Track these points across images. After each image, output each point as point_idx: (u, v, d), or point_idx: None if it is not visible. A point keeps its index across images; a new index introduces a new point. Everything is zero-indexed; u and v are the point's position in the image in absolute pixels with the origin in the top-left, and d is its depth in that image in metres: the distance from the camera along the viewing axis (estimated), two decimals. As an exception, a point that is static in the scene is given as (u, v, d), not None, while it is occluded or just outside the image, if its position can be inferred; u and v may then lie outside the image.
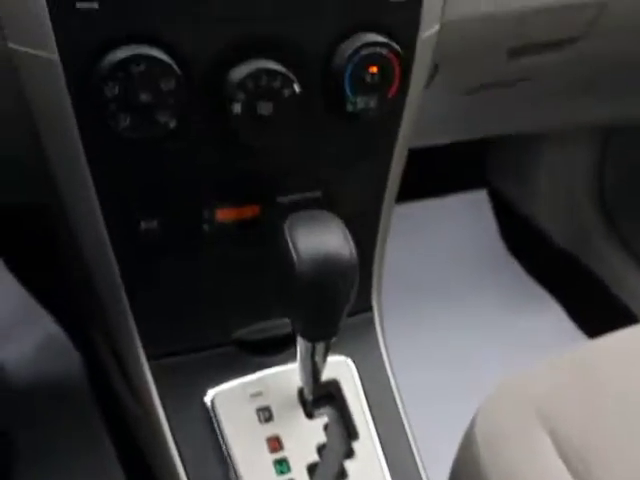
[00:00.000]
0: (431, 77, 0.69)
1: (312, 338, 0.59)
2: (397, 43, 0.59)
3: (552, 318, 1.52)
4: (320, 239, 0.55)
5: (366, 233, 0.71)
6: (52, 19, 0.50)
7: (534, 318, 1.51)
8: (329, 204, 0.64)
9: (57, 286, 1.15)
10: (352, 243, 0.55)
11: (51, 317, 1.22)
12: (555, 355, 0.73)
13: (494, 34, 0.73)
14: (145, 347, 0.67)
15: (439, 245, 1.63)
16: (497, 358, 1.34)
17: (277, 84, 0.56)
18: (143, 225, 0.60)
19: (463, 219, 1.66)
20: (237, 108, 0.55)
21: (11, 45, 0.52)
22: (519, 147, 1.57)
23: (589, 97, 1.03)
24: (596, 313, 1.47)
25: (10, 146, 0.62)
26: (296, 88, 0.56)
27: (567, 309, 1.53)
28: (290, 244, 0.55)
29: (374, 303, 0.76)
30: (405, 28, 0.61)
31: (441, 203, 1.66)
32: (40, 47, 0.51)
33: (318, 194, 0.65)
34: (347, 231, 0.56)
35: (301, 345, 0.60)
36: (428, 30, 0.63)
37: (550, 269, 1.61)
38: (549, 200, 1.60)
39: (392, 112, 0.64)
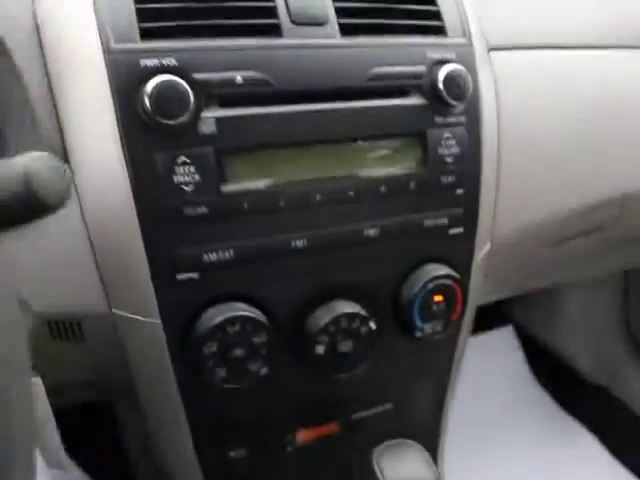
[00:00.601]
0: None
1: None
2: (456, 270, 0.65)
3: (586, 449, 1.54)
4: (407, 469, 0.58)
5: (432, 424, 0.75)
6: (155, 289, 0.55)
7: (568, 450, 1.52)
8: (400, 413, 0.68)
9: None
10: (436, 470, 0.59)
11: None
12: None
13: (536, 238, 0.79)
14: None
15: (471, 383, 1.65)
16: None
17: (355, 324, 0.61)
18: (232, 455, 0.64)
19: (492, 357, 1.69)
20: (320, 349, 0.60)
21: (115, 311, 0.57)
22: (543, 283, 1.62)
23: (619, 253, 1.09)
24: (630, 442, 1.49)
25: (105, 384, 0.66)
26: (372, 325, 0.62)
27: (600, 439, 1.54)
28: (379, 475, 0.58)
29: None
30: (462, 255, 0.67)
31: (469, 343, 1.69)
32: (143, 313, 0.56)
33: (390, 406, 0.69)
34: (430, 459, 0.60)
35: None
36: (481, 251, 0.69)
37: (581, 400, 1.63)
38: (575, 333, 1.63)
39: (455, 328, 0.69)
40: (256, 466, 0.66)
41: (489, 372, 1.67)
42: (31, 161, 0.38)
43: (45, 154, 0.40)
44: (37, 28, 0.54)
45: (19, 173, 0.37)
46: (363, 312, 0.61)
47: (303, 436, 0.67)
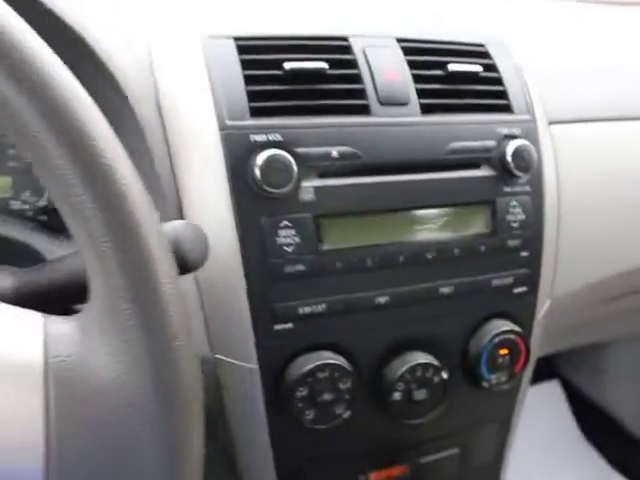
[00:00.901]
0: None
1: None
2: (519, 326, 0.71)
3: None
4: None
5: (494, 469, 0.80)
6: (255, 338, 0.62)
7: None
8: (465, 458, 0.74)
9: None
10: None
11: None
12: None
13: (591, 296, 0.84)
14: None
15: (517, 438, 1.67)
16: None
17: (429, 374, 0.67)
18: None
19: (539, 411, 1.71)
20: (396, 396, 0.66)
21: (217, 356, 0.64)
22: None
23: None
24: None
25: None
26: (444, 375, 0.67)
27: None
28: None
29: None
30: (525, 312, 0.73)
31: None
32: (242, 359, 0.63)
33: (456, 451, 0.75)
34: None
35: None
36: (542, 309, 0.75)
37: (627, 456, 1.64)
38: (622, 388, 1.66)
39: (517, 379, 0.74)
40: None
41: (536, 426, 1.70)
42: (180, 227, 0.45)
43: (191, 223, 0.47)
44: (159, 108, 0.62)
45: (170, 236, 0.45)
46: (436, 362, 0.67)
47: (375, 477, 0.73)
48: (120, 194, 0.31)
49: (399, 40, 0.69)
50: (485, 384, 0.71)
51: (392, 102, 0.65)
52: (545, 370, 1.76)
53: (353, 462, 0.71)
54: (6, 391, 0.31)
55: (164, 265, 0.32)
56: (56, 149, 0.30)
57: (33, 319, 0.33)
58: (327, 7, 0.75)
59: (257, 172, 0.57)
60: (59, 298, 0.47)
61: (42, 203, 0.68)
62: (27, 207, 0.68)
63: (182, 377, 0.32)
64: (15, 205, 0.68)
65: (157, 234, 0.32)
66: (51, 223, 0.65)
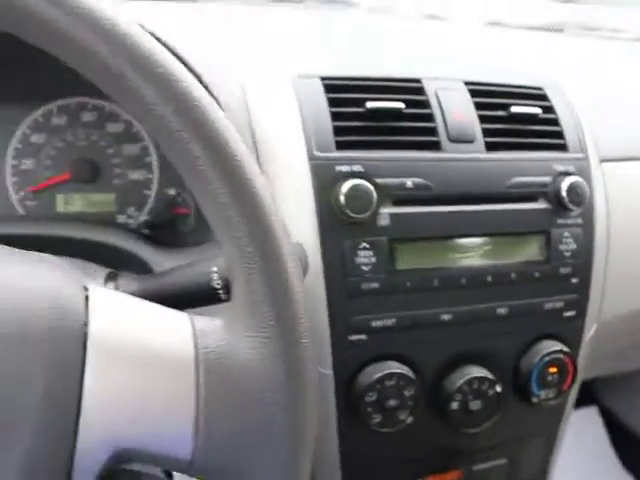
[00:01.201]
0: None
1: None
2: (568, 346, 0.77)
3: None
4: None
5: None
6: (332, 347, 0.69)
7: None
8: (512, 468, 0.80)
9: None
10: None
11: None
12: None
13: (635, 321, 0.90)
14: None
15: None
16: None
17: (484, 387, 0.73)
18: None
19: (577, 436, 1.75)
20: (454, 405, 0.73)
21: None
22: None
23: None
24: None
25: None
26: (498, 388, 0.74)
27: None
28: None
29: None
30: (574, 334, 0.79)
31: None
32: (319, 365, 0.70)
33: (504, 461, 0.81)
34: None
35: None
36: (590, 332, 0.81)
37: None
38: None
39: (564, 397, 0.81)
40: None
41: (574, 452, 1.73)
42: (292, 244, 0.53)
43: (296, 242, 0.55)
44: (254, 141, 0.70)
45: None
46: (491, 376, 0.74)
47: (431, 480, 0.79)
48: (266, 222, 0.39)
49: (466, 83, 0.76)
50: (534, 399, 0.77)
51: (460, 140, 0.73)
52: (585, 396, 1.80)
53: (412, 466, 0.78)
54: (163, 379, 0.38)
55: (297, 276, 0.39)
56: (220, 182, 0.38)
57: (180, 317, 0.41)
58: (402, 49, 0.83)
59: (342, 199, 0.65)
60: (177, 302, 0.55)
61: (144, 218, 0.76)
62: (131, 221, 0.76)
63: (307, 368, 0.40)
64: (121, 219, 0.76)
65: (291, 249, 0.40)
66: (154, 236, 0.73)
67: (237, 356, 0.38)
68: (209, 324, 0.40)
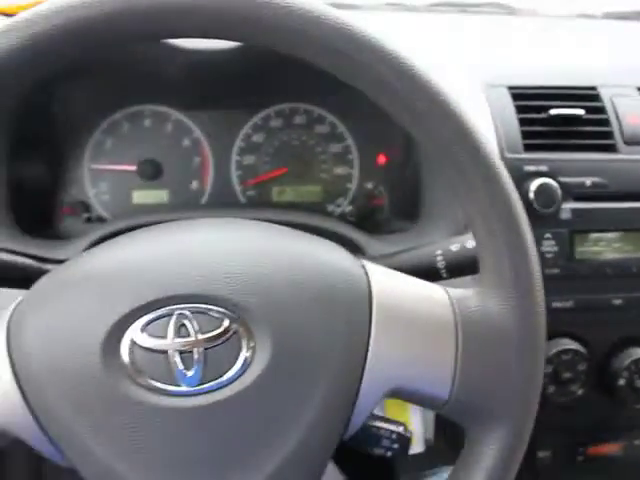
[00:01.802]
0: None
1: None
2: None
3: None
4: None
5: None
6: None
7: None
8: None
9: None
10: None
11: None
12: None
13: None
14: None
15: None
16: None
17: None
18: (540, 454, 0.86)
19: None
20: (622, 382, 0.81)
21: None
22: None
23: None
24: None
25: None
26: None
27: None
28: None
29: None
30: None
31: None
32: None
33: None
34: None
35: None
36: None
37: None
38: None
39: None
40: (555, 466, 0.87)
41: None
42: None
43: None
44: None
45: None
46: None
47: (592, 450, 0.88)
48: (516, 221, 0.49)
49: (639, 89, 0.84)
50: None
51: (634, 142, 0.81)
52: None
53: (577, 435, 0.87)
54: (430, 334, 0.47)
55: (535, 260, 0.50)
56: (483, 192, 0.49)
57: (436, 287, 0.52)
58: (576, 59, 0.91)
59: (531, 195, 0.75)
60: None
61: (349, 208, 0.89)
62: (339, 210, 0.89)
63: (542, 327, 0.50)
64: (330, 208, 0.89)
65: (532, 240, 0.50)
66: (360, 224, 0.85)
67: (489, 318, 0.49)
68: (462, 293, 0.50)
